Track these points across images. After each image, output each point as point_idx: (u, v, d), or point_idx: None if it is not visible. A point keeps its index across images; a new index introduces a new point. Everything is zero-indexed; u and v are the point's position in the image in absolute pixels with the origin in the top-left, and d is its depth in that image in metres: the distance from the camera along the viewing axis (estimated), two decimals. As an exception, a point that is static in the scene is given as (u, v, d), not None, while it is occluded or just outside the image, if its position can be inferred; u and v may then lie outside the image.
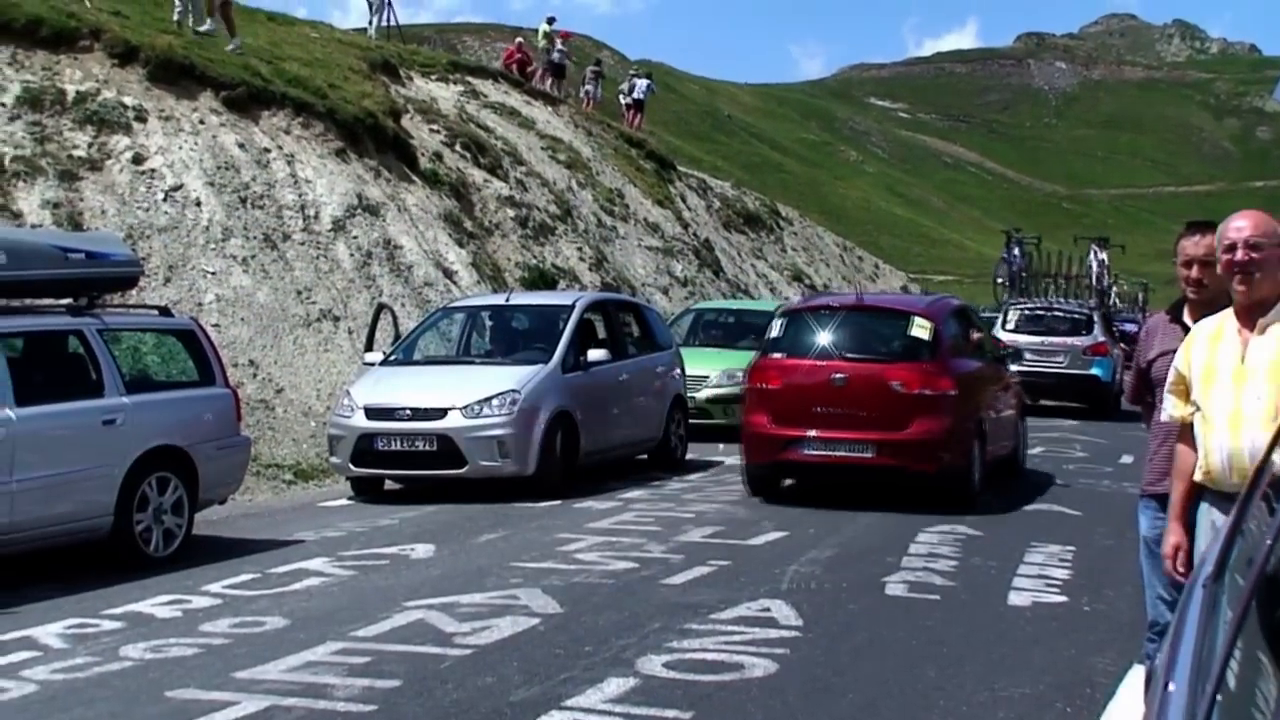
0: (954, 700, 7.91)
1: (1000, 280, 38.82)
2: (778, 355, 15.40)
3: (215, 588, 10.71)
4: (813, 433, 14.81)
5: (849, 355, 15.12)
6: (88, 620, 9.62)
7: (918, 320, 15.34)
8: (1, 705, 7.67)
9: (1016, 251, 38.47)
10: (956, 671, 8.54)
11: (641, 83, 46.21)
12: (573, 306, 17.31)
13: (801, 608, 9.99)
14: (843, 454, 14.80)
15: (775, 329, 15.82)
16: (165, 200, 20.54)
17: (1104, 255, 41.92)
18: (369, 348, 18.03)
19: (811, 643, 9.08)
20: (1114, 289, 46.70)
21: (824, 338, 15.35)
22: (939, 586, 10.99)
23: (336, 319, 21.15)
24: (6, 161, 19.31)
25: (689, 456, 18.82)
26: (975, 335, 16.70)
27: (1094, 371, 28.52)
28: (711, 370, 21.59)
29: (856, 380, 14.78)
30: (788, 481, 15.89)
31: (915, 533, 13.15)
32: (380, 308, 19.53)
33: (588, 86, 45.22)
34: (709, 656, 8.61)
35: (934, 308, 16.05)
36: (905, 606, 10.31)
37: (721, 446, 20.16)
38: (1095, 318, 30.28)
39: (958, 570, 11.59)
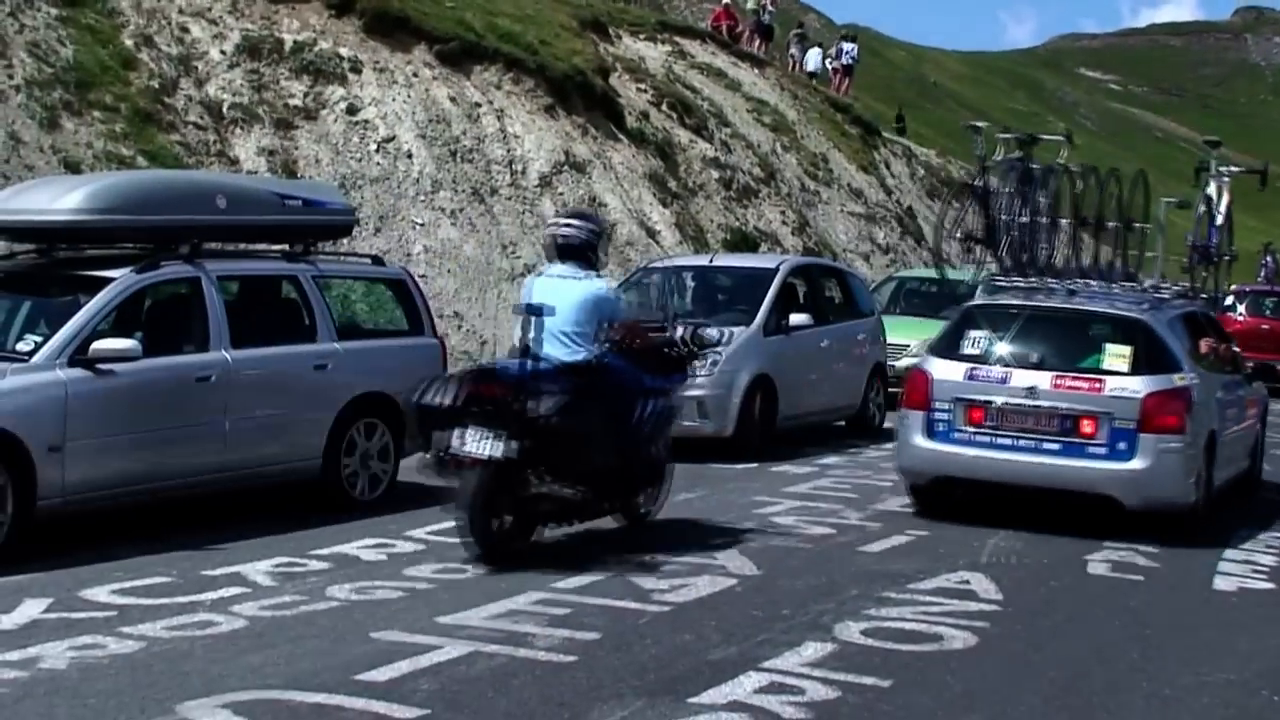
0: (1156, 683, 7.76)
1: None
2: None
3: (419, 533, 10.90)
4: None
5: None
6: (296, 560, 9.85)
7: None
8: (212, 639, 7.89)
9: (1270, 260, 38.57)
10: (1159, 654, 8.37)
11: (849, 46, 45.77)
12: (776, 270, 17.23)
13: (1001, 582, 9.87)
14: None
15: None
16: (377, 151, 20.89)
17: None
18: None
19: (1011, 618, 8.96)
20: None
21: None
22: (1142, 567, 10.78)
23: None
24: (225, 109, 19.80)
25: (886, 425, 18.65)
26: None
27: None
28: (912, 339, 21.33)
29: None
30: None
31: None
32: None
33: (793, 51, 44.91)
34: (907, 626, 8.54)
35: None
36: (1108, 586, 10.12)
37: (920, 416, 19.88)
38: None
39: (1161, 552, 11.33)
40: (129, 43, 19.46)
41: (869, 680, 7.40)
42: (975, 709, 7.20)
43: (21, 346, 10.10)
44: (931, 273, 29.00)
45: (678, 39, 36.10)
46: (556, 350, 10.11)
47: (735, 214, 28.69)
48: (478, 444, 9.67)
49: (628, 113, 27.62)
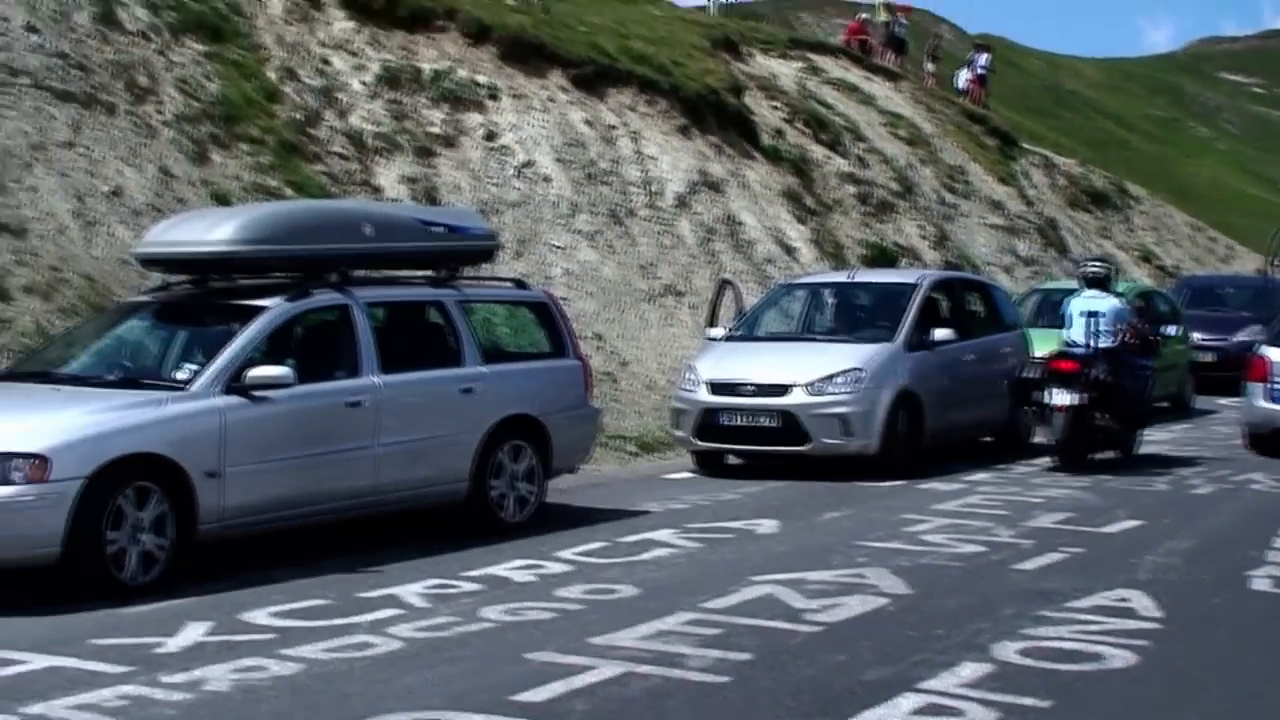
0: (1328, 704, 7.57)
1: None
2: None
3: (568, 554, 10.97)
4: None
5: None
6: (447, 581, 9.96)
7: None
8: (370, 660, 7.99)
9: None
10: (1330, 674, 8.16)
11: (982, 57, 45.35)
12: (918, 285, 17.10)
13: (1161, 599, 9.67)
14: None
15: None
16: (516, 176, 21.09)
17: None
18: (712, 323, 18.15)
19: (1173, 636, 8.79)
20: None
21: None
22: (1307, 583, 10.53)
23: (679, 294, 21.40)
24: (367, 138, 20.08)
25: (1035, 440, 18.42)
26: None
27: None
28: (1057, 352, 21.06)
29: None
30: None
31: (1277, 526, 12.60)
32: (723, 283, 19.64)
33: (929, 66, 44.62)
34: (1066, 645, 8.41)
35: None
36: (1271, 603, 9.89)
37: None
38: None
39: (1326, 567, 11.06)
40: (273, 76, 19.83)
41: (1028, 701, 7.30)
42: (1139, 729, 7.09)
43: (179, 375, 10.34)
44: (1074, 284, 28.71)
45: (810, 55, 36.04)
46: (1102, 341, 16.03)
47: (873, 229, 28.55)
48: (1062, 397, 15.53)
49: (762, 131, 27.62)
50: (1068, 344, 16.35)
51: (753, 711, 7.12)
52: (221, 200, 16.84)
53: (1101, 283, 16.64)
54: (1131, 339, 16.35)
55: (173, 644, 8.23)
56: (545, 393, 12.53)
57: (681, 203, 23.05)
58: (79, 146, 16.35)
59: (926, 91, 39.94)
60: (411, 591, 9.62)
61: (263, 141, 18.58)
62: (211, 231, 11.11)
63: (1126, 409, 16.18)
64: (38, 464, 9.13)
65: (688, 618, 8.92)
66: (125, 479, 9.46)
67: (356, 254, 11.67)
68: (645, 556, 10.98)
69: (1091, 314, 16.18)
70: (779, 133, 28.59)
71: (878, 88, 36.44)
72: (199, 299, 11.54)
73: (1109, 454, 16.44)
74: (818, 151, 29.35)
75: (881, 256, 27.44)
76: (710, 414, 15.54)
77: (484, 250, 13.45)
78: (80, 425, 9.50)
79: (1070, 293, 22.79)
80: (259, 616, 8.87)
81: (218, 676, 7.58)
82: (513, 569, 10.43)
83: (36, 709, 7.02)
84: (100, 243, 15.58)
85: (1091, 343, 16.03)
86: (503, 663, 7.91)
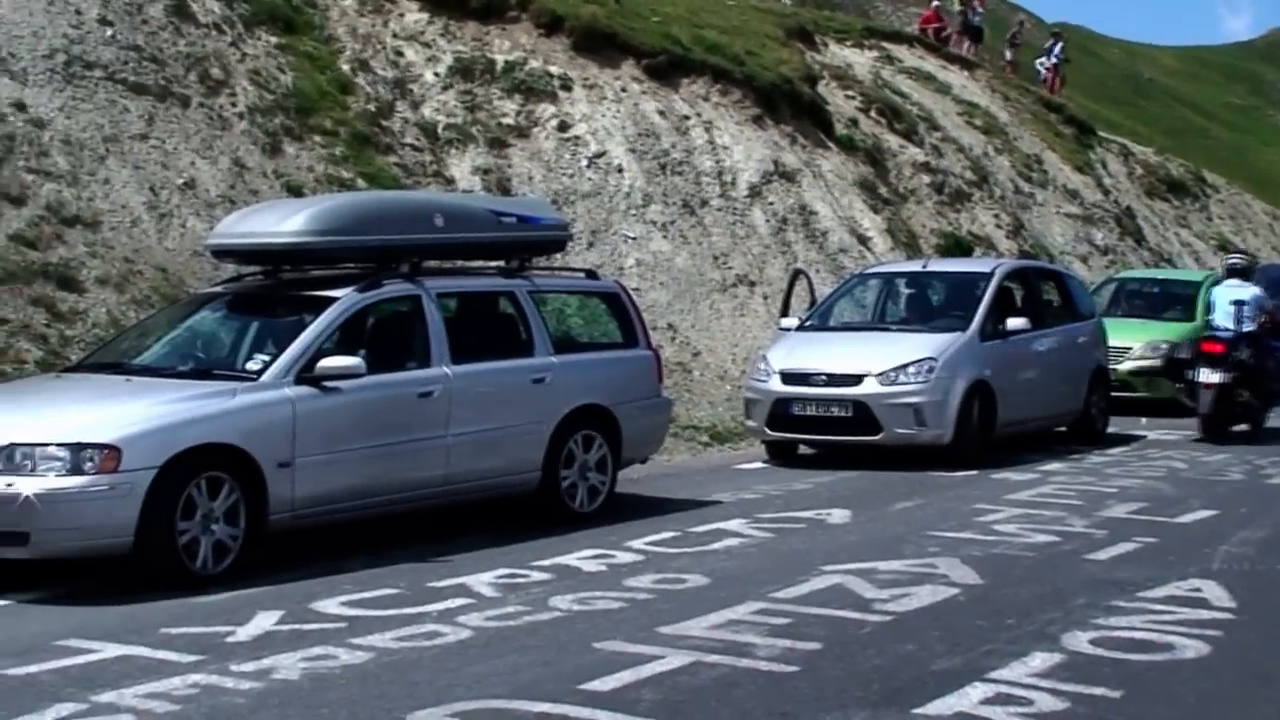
0: (1406, 696, 7.45)
1: None
2: None
3: (638, 544, 10.97)
4: None
5: None
6: (517, 571, 9.98)
7: None
8: (440, 649, 8.03)
9: None
10: (1407, 666, 8.03)
11: (1057, 45, 44.92)
12: (991, 274, 16.97)
13: (1235, 590, 9.56)
14: None
15: None
16: (589, 167, 21.10)
17: None
18: (784, 313, 18.10)
19: (1246, 626, 8.69)
20: None
21: None
22: (1385, 573, 10.38)
23: (752, 284, 21.34)
24: (440, 129, 20.16)
25: (1109, 430, 18.26)
26: None
27: None
28: (1134, 342, 20.87)
29: None
30: None
31: (1358, 516, 12.43)
32: (796, 273, 19.57)
33: (1008, 54, 44.25)
34: (1138, 635, 8.33)
35: None
36: (1349, 593, 9.75)
37: (1144, 421, 19.49)
38: None
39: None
40: (346, 68, 19.94)
41: (1099, 691, 7.23)
42: (1211, 720, 7.01)
43: (251, 366, 10.41)
44: (1154, 273, 28.46)
45: (884, 44, 35.82)
46: (1245, 326, 17.63)
47: (947, 219, 28.36)
48: (1210, 375, 17.18)
49: (836, 120, 27.48)
50: (1213, 328, 17.98)
51: (821, 701, 7.09)
52: (295, 192, 16.96)
53: (1243, 273, 18.57)
54: (1267, 324, 18.05)
55: (243, 633, 8.30)
56: (616, 383, 12.52)
57: (755, 193, 22.97)
58: (152, 139, 16.51)
59: (1003, 80, 39.60)
60: (481, 581, 9.65)
61: (335, 133, 18.69)
62: (284, 223, 11.19)
63: (1266, 387, 17.93)
64: (109, 454, 9.22)
65: (757, 607, 8.91)
66: (197, 469, 9.54)
67: (428, 244, 11.73)
68: (715, 546, 10.96)
69: (1237, 302, 17.82)
70: (853, 122, 28.44)
71: (954, 76, 36.18)
72: (271, 290, 11.64)
73: (1243, 427, 17.97)
74: (892, 141, 29.18)
75: (956, 246, 27.24)
76: (782, 404, 15.49)
77: (555, 241, 13.49)
78: (152, 416, 9.59)
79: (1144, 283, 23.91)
80: (329, 606, 8.92)
81: (287, 665, 7.63)
82: (583, 559, 10.44)
83: (107, 697, 7.08)
84: (173, 234, 15.74)
85: (1237, 327, 17.66)
86: (571, 652, 7.92)
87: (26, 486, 9.06)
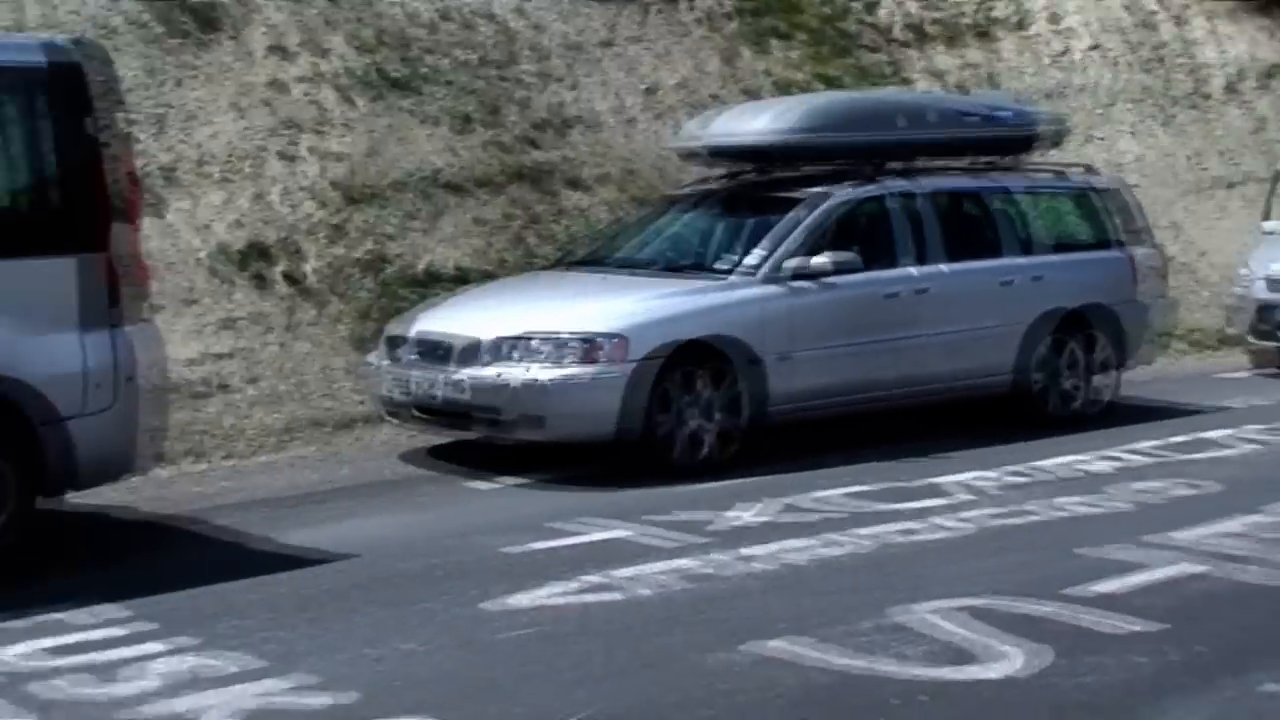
0: None
1: None
2: None
3: (1145, 446, 10.71)
4: None
5: None
6: (1020, 470, 9.94)
7: None
8: (943, 543, 8.12)
9: None
10: None
11: None
12: None
13: None
14: None
15: None
16: (1054, 65, 20.61)
17: None
18: (1266, 216, 17.24)
19: None
20: None
21: None
22: None
23: (1230, 185, 20.46)
24: (897, 30, 19.88)
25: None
26: None
27: None
28: None
29: None
30: None
31: None
32: (1278, 174, 18.59)
33: None
34: None
35: None
36: None
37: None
38: None
39: None
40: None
41: None
42: None
43: (749, 261, 10.54)
44: None
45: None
46: None
47: None
48: None
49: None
50: None
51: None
52: (751, 95, 16.84)
53: None
54: None
55: (749, 517, 8.61)
56: (1111, 282, 12.20)
57: (1233, 90, 21.91)
58: (644, 41, 16.80)
59: None
60: (987, 479, 9.65)
61: (790, 36, 18.57)
62: (776, 121, 11.30)
63: None
64: (619, 343, 9.58)
65: (1263, 520, 8.52)
66: (700, 361, 9.82)
67: (913, 142, 11.67)
68: (1200, 456, 10.51)
69: None
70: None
71: None
72: (759, 187, 11.73)
73: None
74: None
75: None
76: (1266, 310, 14.82)
77: (1030, 139, 13.02)
78: (655, 309, 9.95)
79: None
80: (833, 496, 9.12)
81: (795, 550, 7.88)
82: (1085, 460, 10.26)
83: (625, 572, 7.48)
84: (657, 137, 15.97)
85: None
86: (1076, 557, 7.76)
87: (543, 374, 9.50)
